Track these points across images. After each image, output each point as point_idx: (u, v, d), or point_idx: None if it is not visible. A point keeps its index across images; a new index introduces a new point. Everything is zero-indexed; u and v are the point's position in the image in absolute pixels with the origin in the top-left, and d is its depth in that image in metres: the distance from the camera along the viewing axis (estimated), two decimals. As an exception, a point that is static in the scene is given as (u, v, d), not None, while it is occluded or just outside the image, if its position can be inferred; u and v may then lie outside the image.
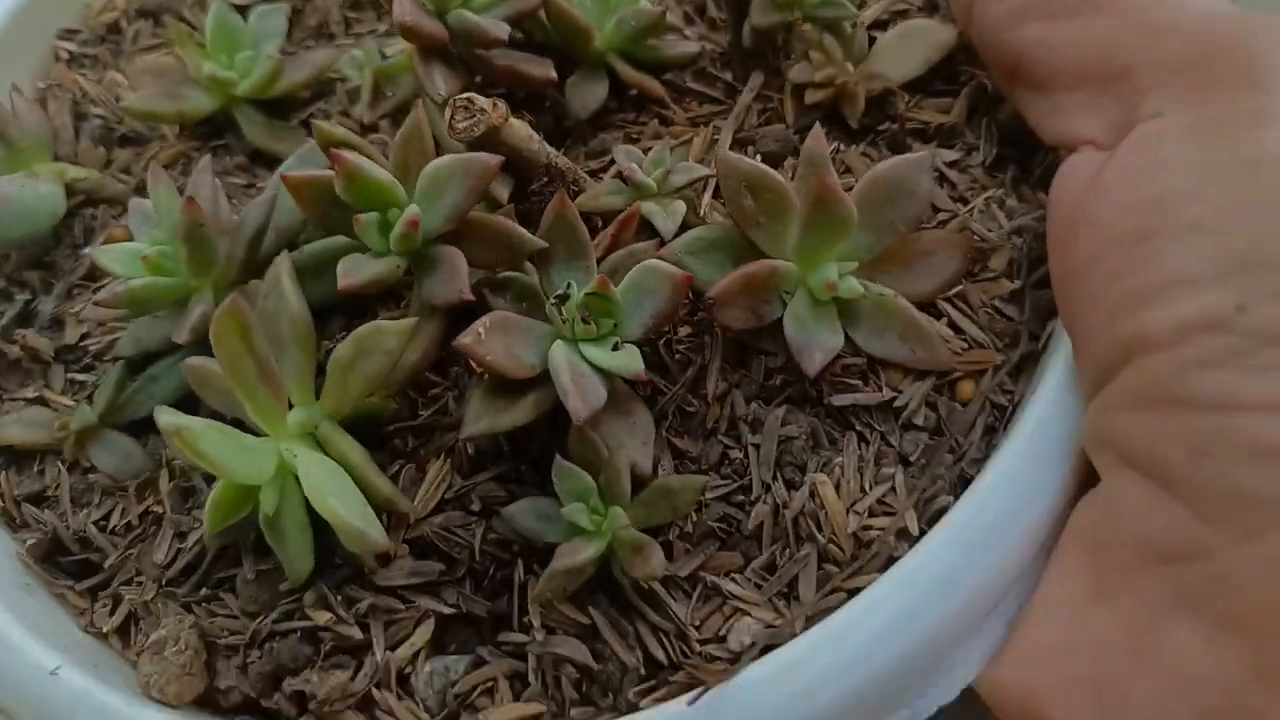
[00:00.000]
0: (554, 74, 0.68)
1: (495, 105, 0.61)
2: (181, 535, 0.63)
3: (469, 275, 0.57)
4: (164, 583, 0.62)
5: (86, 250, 0.75)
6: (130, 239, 0.75)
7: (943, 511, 0.57)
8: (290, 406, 0.59)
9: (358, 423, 0.61)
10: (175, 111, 0.75)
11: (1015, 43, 0.59)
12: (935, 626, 0.52)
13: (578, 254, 0.60)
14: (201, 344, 0.64)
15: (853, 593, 0.55)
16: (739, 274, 0.58)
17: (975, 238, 0.63)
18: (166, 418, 0.54)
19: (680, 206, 0.64)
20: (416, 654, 0.58)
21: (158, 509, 0.65)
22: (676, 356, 0.63)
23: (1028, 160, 0.68)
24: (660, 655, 0.56)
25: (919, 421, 0.59)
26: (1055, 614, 0.51)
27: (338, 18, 0.88)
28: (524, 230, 0.59)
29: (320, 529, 0.57)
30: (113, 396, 0.67)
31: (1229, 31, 0.51)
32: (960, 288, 0.62)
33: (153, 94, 0.75)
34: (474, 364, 0.57)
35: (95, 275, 0.75)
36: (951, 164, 0.68)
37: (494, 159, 0.57)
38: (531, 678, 0.57)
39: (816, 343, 0.58)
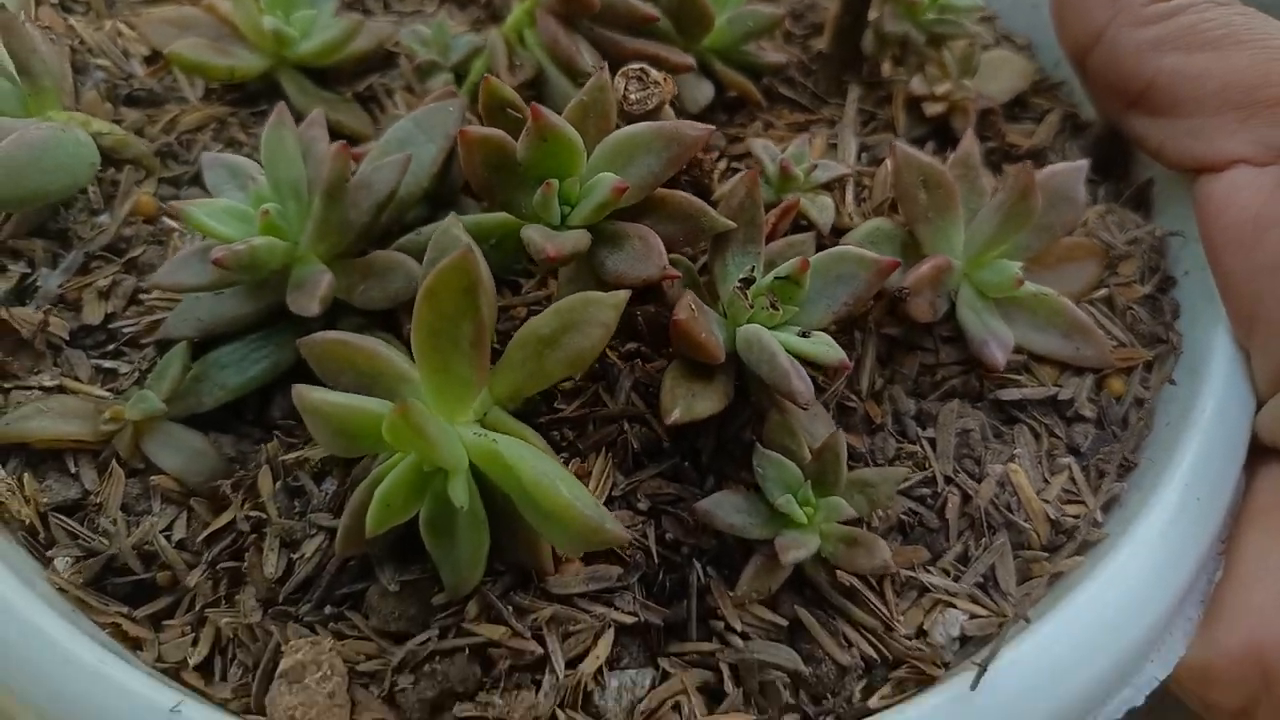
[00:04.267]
0: (694, 61, 0.65)
1: (667, 79, 0.58)
2: (292, 544, 0.53)
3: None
4: (280, 601, 0.52)
5: (103, 218, 0.63)
6: (157, 209, 0.64)
7: (1116, 498, 0.59)
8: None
9: (515, 414, 0.55)
10: (226, 67, 0.65)
11: (1150, 70, 0.63)
12: (1157, 612, 0.53)
13: (754, 237, 0.58)
14: (289, 321, 0.55)
15: (1053, 579, 0.55)
16: (932, 264, 0.58)
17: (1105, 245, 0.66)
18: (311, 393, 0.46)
19: (829, 202, 0.63)
20: (599, 669, 0.52)
21: (255, 514, 0.54)
22: (826, 351, 0.62)
23: (1116, 184, 0.73)
24: (872, 653, 0.53)
25: (1086, 414, 0.61)
26: (1266, 577, 0.54)
27: (378, -8, 0.80)
28: (711, 209, 0.56)
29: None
30: (175, 385, 0.56)
31: None
32: (1105, 291, 0.64)
33: (200, 44, 0.65)
34: (678, 342, 0.53)
35: (120, 248, 0.62)
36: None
37: (703, 128, 0.53)
38: (729, 687, 0.52)
39: (996, 337, 0.59)
